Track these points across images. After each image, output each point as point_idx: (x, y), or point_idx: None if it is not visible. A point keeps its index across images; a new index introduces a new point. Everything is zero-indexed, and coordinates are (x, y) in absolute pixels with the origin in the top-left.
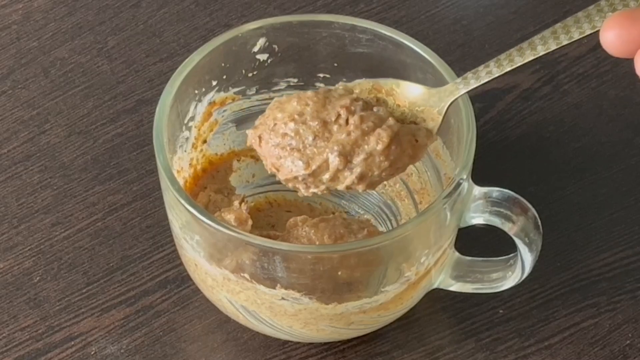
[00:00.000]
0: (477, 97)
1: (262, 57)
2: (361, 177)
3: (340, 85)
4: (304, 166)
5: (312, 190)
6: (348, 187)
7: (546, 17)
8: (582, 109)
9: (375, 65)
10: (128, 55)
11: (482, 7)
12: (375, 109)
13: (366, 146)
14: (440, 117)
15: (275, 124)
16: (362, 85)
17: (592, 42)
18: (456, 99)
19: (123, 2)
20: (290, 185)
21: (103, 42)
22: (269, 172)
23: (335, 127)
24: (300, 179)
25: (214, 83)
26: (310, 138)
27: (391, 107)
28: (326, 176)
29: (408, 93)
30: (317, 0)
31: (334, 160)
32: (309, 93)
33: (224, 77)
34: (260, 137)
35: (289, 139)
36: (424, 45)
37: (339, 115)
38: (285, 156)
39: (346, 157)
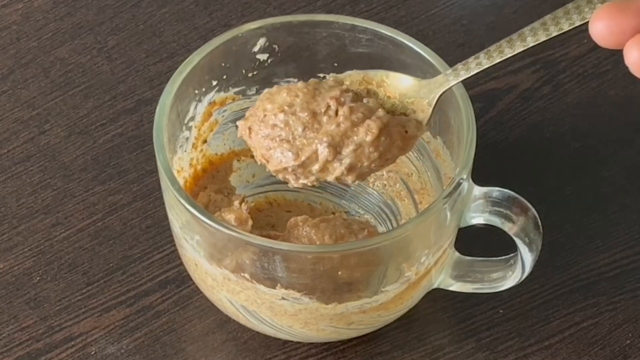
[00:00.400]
0: (477, 97)
1: (262, 57)
2: (350, 168)
3: (330, 77)
4: (294, 157)
5: (302, 181)
6: (337, 178)
7: None
8: (582, 109)
9: (375, 65)
10: (128, 55)
11: (482, 7)
12: (365, 100)
13: (355, 137)
14: (431, 109)
15: (265, 115)
16: (352, 77)
17: (593, 42)
18: (446, 91)
19: (123, 2)
20: (280, 176)
21: (103, 42)
22: (259, 163)
23: (324, 119)
24: (289, 170)
25: (214, 83)
26: (300, 129)
27: (381, 99)
28: (315, 167)
29: (398, 84)
30: (317, 0)
31: (324, 151)
32: (299, 84)
33: (224, 77)
34: (250, 129)
35: (279, 130)
36: (424, 45)
37: (328, 107)
38: (274, 147)
39: (335, 148)
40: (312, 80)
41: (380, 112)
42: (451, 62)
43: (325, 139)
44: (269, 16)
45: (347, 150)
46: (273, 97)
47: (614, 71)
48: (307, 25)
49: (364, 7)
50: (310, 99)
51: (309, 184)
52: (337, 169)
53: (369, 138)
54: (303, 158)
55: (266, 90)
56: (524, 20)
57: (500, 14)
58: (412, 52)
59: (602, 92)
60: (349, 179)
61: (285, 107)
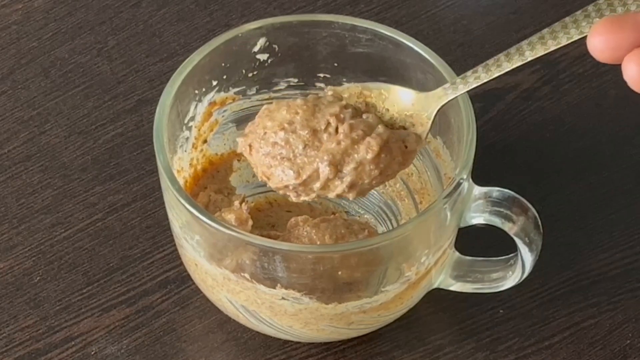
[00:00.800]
0: (477, 97)
1: (262, 57)
2: (351, 186)
3: (329, 91)
4: (295, 175)
5: (303, 198)
6: (338, 195)
7: (546, 17)
8: (582, 109)
9: (375, 65)
10: (128, 55)
11: (482, 7)
12: (364, 116)
13: (356, 155)
14: (430, 122)
15: (265, 133)
16: (350, 90)
17: None
18: (445, 104)
19: (123, 2)
20: (281, 192)
21: (103, 42)
22: (260, 180)
23: (325, 136)
24: (291, 187)
25: (214, 83)
26: (301, 147)
27: (380, 112)
28: (317, 185)
29: (397, 98)
30: (317, 0)
31: (325, 170)
32: (299, 101)
33: (224, 77)
34: (250, 146)
35: (279, 148)
36: (424, 45)
37: (328, 124)
38: (275, 165)
39: (336, 167)
40: (311, 96)
41: (380, 128)
42: (451, 62)
43: (326, 157)
44: (269, 16)
45: (348, 168)
46: (272, 114)
47: (614, 71)
48: (307, 25)
49: (364, 7)
50: (310, 116)
51: (310, 200)
52: (339, 187)
53: (369, 156)
54: (304, 177)
55: (265, 106)
56: (524, 20)
57: (500, 14)
58: (412, 52)
59: (602, 92)
60: (350, 196)
61: (286, 125)
